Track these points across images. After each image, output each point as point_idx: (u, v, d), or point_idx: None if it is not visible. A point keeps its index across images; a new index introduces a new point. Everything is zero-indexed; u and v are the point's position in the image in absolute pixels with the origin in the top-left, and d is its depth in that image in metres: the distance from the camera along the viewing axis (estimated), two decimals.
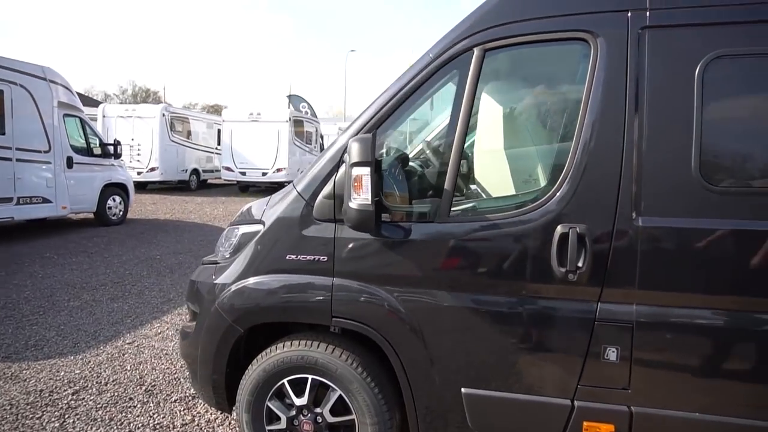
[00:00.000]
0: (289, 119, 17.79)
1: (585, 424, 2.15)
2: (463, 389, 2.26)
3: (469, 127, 2.19)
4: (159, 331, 4.76)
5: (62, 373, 3.83)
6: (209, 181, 21.09)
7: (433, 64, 2.25)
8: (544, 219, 2.10)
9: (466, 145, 2.22)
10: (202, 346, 2.66)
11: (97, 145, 10.17)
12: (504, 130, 2.37)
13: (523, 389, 2.21)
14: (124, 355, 4.21)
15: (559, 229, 2.07)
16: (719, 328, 2.01)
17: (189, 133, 19.02)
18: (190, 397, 3.54)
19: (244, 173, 17.84)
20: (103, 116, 17.00)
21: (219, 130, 20.56)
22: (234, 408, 2.72)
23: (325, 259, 2.38)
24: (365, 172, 2.04)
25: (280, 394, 2.54)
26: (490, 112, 2.33)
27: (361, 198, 2.05)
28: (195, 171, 19.26)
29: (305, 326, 2.65)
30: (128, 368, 3.95)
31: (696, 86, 1.96)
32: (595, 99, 2.05)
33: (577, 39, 2.09)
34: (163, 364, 4.05)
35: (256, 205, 2.81)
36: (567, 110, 2.19)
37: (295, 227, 2.44)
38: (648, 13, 2.01)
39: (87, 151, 9.88)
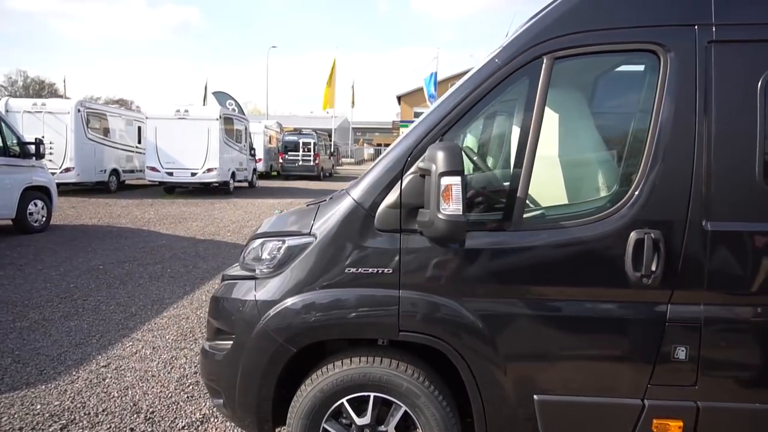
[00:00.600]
0: (220, 117, 17.01)
1: (655, 421, 2.23)
2: (535, 396, 2.27)
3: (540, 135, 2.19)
4: (134, 350, 4.35)
5: (38, 407, 3.39)
6: (128, 182, 19.67)
7: (501, 71, 2.23)
8: (618, 225, 2.15)
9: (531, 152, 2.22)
10: (243, 369, 2.45)
11: (15, 144, 9.12)
12: (573, 137, 2.40)
13: (595, 392, 2.25)
14: (104, 380, 3.80)
15: (633, 235, 2.12)
16: None
17: (107, 131, 17.60)
18: (198, 422, 3.27)
19: (171, 173, 16.82)
20: (6, 111, 15.28)
21: (140, 128, 19.24)
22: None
23: (390, 271, 2.28)
24: (456, 181, 1.97)
25: (337, 414, 2.41)
26: (558, 119, 2.35)
27: (451, 208, 1.98)
28: (114, 171, 17.86)
29: (342, 342, 2.54)
30: (115, 395, 3.58)
31: (759, 98, 2.09)
32: (666, 109, 2.13)
33: (646, 51, 2.16)
34: (153, 387, 3.71)
35: (296, 216, 2.63)
36: (635, 120, 2.25)
37: (354, 239, 2.32)
38: (714, 28, 2.12)
39: (3, 151, 8.83)
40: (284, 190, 20.44)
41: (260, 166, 24.29)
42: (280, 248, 2.47)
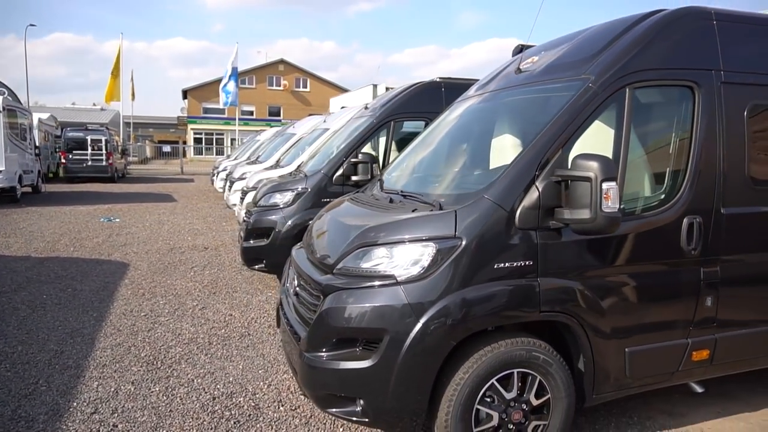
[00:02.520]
0: (3, 109, 13.93)
1: (693, 354, 3.09)
2: (626, 349, 2.93)
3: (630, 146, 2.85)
4: (111, 391, 3.73)
5: None
6: None
7: (598, 97, 2.81)
8: (677, 213, 2.94)
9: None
10: (400, 371, 2.58)
11: None
12: (641, 148, 3.10)
13: (661, 339, 3.02)
14: None
15: (686, 220, 2.94)
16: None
17: None
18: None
19: None
20: None
21: None
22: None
23: (531, 263, 2.69)
24: (614, 185, 2.48)
25: (483, 395, 2.70)
26: (632, 133, 3.01)
27: (611, 207, 2.49)
28: None
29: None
30: None
31: (745, 120, 3.09)
32: (700, 128, 2.98)
33: (687, 86, 2.99)
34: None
35: (425, 221, 2.78)
36: (679, 135, 3.05)
37: (501, 238, 2.66)
38: (723, 73, 3.05)
39: None
40: (80, 195, 17.59)
41: None
42: (429, 252, 2.64)
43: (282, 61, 54.62)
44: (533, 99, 3.43)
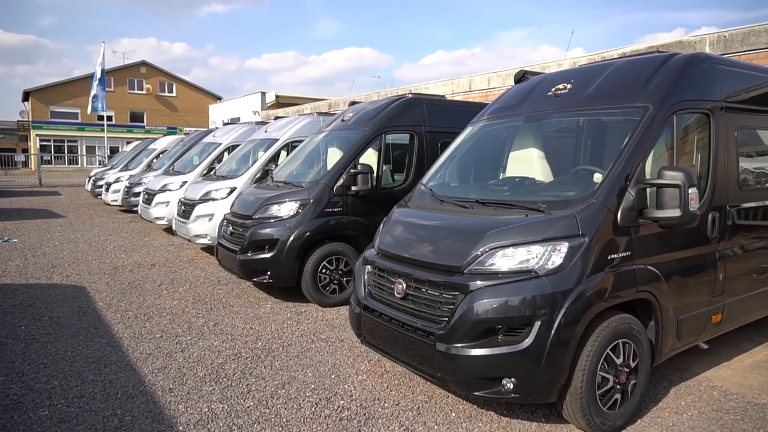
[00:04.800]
0: None
1: (712, 317, 4.04)
2: (679, 317, 3.75)
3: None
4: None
5: None
6: None
7: (658, 122, 3.59)
8: (706, 209, 3.84)
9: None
10: (551, 350, 3.09)
11: None
12: (687, 161, 3.94)
13: (696, 308, 3.89)
14: None
15: (711, 214, 3.87)
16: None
17: None
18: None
19: None
20: None
21: None
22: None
23: (629, 253, 3.39)
24: (695, 190, 3.26)
25: (602, 363, 3.31)
26: (678, 151, 3.83)
27: (694, 206, 3.26)
28: None
29: None
30: None
31: (736, 140, 4.12)
32: (715, 145, 3.93)
33: (705, 113, 3.92)
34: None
35: (546, 224, 3.30)
36: (703, 151, 3.96)
37: (610, 234, 3.31)
38: (723, 103, 4.03)
39: None
40: None
41: None
42: (563, 249, 3.18)
43: (144, 63, 50.62)
44: (593, 121, 4.16)
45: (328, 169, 6.59)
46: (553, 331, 3.09)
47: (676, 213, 3.29)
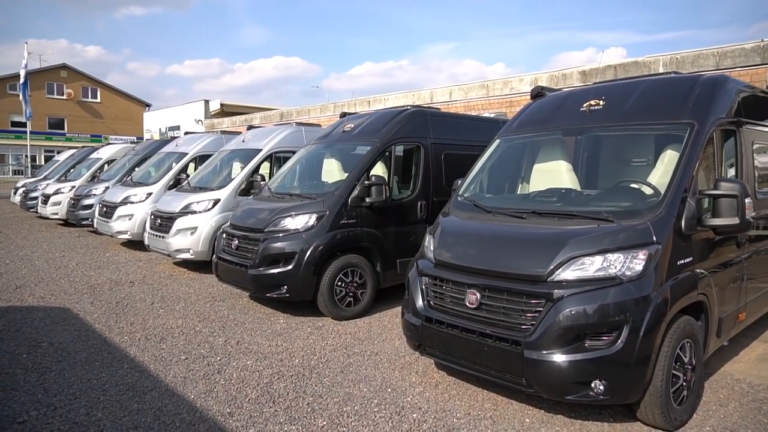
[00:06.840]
0: None
1: (739, 315, 4.41)
2: (720, 316, 4.07)
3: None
4: None
5: None
6: None
7: (704, 137, 3.90)
8: None
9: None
10: (639, 351, 3.27)
11: None
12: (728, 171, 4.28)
13: (731, 306, 4.24)
14: None
15: None
16: None
17: None
18: None
19: None
20: None
21: None
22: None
23: (691, 259, 3.65)
24: (750, 200, 3.57)
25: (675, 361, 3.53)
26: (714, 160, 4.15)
27: (749, 214, 3.57)
28: None
29: None
30: None
31: (751, 152, 4.54)
32: (742, 156, 4.32)
33: (732, 129, 4.30)
34: None
35: (629, 233, 3.47)
36: (732, 162, 4.33)
37: (680, 242, 3.55)
38: (743, 119, 4.44)
39: None
40: None
41: None
42: (640, 256, 3.38)
43: (65, 67, 47.06)
44: (635, 136, 4.43)
45: (337, 180, 6.51)
46: (641, 334, 3.26)
47: (734, 221, 3.58)
